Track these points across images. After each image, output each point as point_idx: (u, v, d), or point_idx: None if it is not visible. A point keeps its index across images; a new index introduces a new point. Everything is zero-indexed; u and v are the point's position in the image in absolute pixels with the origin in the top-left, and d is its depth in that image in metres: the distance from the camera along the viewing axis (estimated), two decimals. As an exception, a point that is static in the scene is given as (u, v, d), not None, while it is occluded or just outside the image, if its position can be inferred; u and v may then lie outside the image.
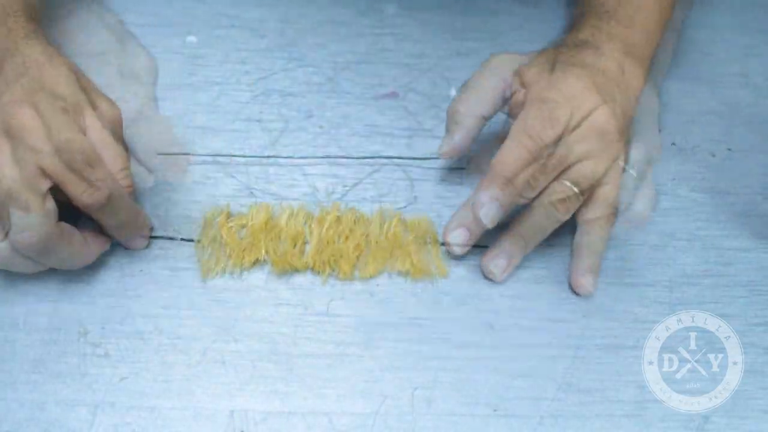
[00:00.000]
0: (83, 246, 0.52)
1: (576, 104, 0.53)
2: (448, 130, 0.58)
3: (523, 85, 0.56)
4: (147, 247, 0.56)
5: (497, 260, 0.56)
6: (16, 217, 0.48)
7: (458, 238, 0.56)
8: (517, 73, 0.57)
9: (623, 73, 0.58)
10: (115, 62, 0.63)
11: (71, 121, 0.49)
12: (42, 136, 0.48)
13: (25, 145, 0.48)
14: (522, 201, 0.55)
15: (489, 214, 0.54)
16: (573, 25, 0.62)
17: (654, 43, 0.62)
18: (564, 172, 0.54)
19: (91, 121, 0.51)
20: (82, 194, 0.49)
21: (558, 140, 0.53)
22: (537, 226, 0.55)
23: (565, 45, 0.59)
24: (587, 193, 0.55)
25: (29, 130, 0.48)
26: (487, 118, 0.58)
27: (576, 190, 0.54)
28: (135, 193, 0.54)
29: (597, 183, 0.55)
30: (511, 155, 0.53)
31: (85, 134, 0.50)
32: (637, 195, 0.57)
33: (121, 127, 0.54)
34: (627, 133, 0.57)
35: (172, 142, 0.60)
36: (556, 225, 0.55)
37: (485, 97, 0.57)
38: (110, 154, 0.51)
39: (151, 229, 0.56)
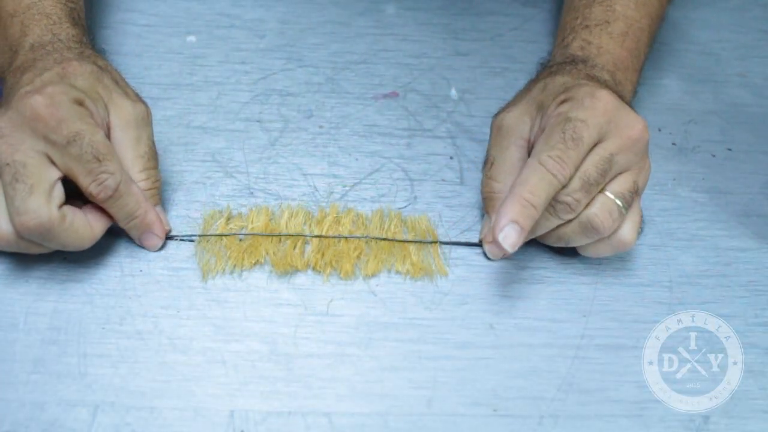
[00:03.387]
0: (86, 230, 0.52)
1: (609, 117, 0.51)
2: (489, 214, 0.56)
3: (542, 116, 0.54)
4: (162, 248, 0.56)
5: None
6: (18, 199, 0.48)
7: (510, 236, 0.49)
8: (539, 108, 0.54)
9: (616, 85, 0.57)
10: None
11: (84, 113, 0.50)
12: (53, 125, 0.49)
13: (36, 133, 0.49)
14: (558, 222, 0.53)
15: (509, 238, 0.49)
16: (563, 38, 0.62)
17: (641, 58, 0.61)
18: (606, 185, 0.52)
19: (114, 119, 0.53)
20: (88, 186, 0.50)
21: (583, 160, 0.51)
22: (565, 239, 0.54)
23: (553, 64, 0.58)
24: (629, 208, 0.53)
25: (41, 118, 0.49)
26: None
27: (620, 203, 0.52)
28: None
29: (637, 195, 0.53)
30: (533, 176, 0.50)
31: (108, 129, 0.52)
32: (624, 222, 0.53)
33: (147, 126, 0.55)
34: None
35: None
36: (592, 239, 0.53)
37: (515, 166, 0.54)
38: (129, 154, 0.53)
39: (169, 231, 0.56)
